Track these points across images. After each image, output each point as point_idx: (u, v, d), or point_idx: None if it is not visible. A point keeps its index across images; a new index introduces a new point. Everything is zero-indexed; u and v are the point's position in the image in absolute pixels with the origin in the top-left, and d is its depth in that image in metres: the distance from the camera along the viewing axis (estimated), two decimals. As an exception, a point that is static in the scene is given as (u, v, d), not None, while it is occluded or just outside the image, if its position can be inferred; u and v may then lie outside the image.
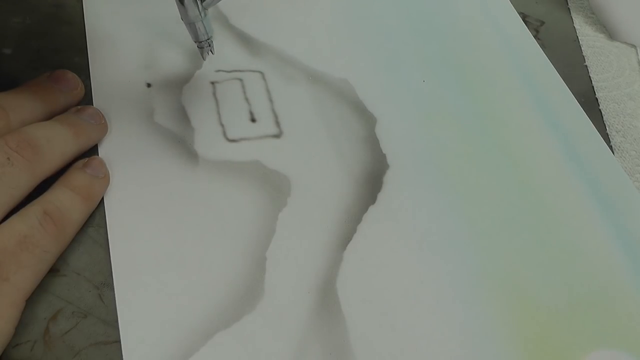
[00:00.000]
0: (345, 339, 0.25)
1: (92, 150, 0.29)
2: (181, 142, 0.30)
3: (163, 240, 0.27)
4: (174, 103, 0.32)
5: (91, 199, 0.27)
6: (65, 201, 0.26)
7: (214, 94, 0.33)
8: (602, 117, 0.35)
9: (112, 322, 0.25)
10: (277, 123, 0.32)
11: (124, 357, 0.24)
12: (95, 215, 0.27)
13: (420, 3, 0.39)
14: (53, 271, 0.25)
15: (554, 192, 0.31)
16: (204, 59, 0.30)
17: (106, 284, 0.26)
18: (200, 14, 0.27)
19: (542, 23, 0.39)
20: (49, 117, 0.28)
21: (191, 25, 0.28)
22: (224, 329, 0.25)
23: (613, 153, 0.33)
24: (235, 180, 0.29)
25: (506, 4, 0.40)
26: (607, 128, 0.34)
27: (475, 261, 0.28)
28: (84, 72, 0.32)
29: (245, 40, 0.35)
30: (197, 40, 0.29)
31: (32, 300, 0.24)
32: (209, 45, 0.29)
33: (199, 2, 0.27)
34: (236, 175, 0.30)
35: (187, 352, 0.24)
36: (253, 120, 0.32)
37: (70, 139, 0.27)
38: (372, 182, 0.30)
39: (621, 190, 0.32)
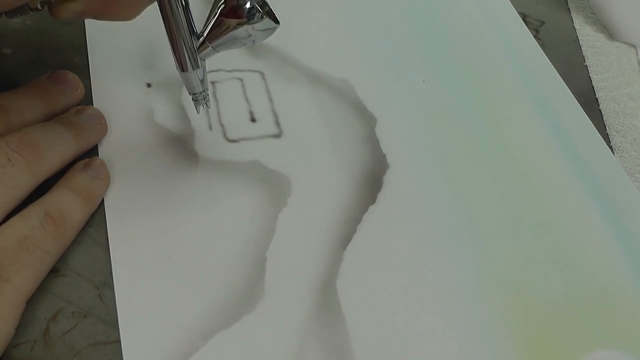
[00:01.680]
0: (345, 339, 0.25)
1: (92, 151, 0.29)
2: (181, 142, 0.30)
3: (163, 240, 0.27)
4: (174, 103, 0.32)
5: (92, 201, 0.27)
6: (66, 202, 0.26)
7: (214, 94, 0.33)
8: (602, 117, 0.35)
9: (112, 322, 0.25)
10: (277, 123, 0.32)
11: (124, 357, 0.24)
12: (95, 215, 0.27)
13: (420, 3, 0.39)
14: (53, 271, 0.25)
15: (554, 192, 0.31)
16: (197, 112, 0.28)
17: (106, 284, 0.26)
18: (196, 65, 0.25)
19: (542, 23, 0.39)
20: (49, 117, 0.28)
21: (187, 77, 0.26)
22: (224, 329, 0.25)
23: (613, 153, 0.33)
24: (235, 180, 0.29)
25: (506, 4, 0.40)
26: (607, 128, 0.34)
27: (475, 261, 0.28)
28: (84, 72, 0.32)
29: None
30: (192, 92, 0.27)
31: (32, 300, 0.24)
32: (204, 99, 0.27)
33: (195, 53, 0.25)
34: (236, 175, 0.30)
35: (187, 352, 0.24)
36: (253, 120, 0.32)
37: (70, 140, 0.27)
38: (372, 182, 0.30)
39: (621, 190, 0.32)
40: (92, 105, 0.31)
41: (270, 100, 0.33)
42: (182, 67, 0.25)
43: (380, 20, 0.38)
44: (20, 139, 0.26)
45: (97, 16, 0.25)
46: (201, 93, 0.27)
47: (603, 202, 0.31)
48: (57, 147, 0.27)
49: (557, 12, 0.40)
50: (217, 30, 0.24)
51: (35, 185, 0.26)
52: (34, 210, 0.25)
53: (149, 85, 0.32)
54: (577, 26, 0.39)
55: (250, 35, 0.24)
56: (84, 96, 0.30)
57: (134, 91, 0.32)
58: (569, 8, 0.41)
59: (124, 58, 0.33)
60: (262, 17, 0.24)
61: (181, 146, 0.30)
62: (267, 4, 0.24)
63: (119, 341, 0.24)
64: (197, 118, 0.31)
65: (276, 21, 0.24)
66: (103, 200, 0.28)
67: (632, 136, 0.34)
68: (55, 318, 0.25)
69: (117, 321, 0.25)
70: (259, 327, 0.25)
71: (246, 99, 0.33)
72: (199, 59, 0.25)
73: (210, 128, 0.31)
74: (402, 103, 0.34)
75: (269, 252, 0.27)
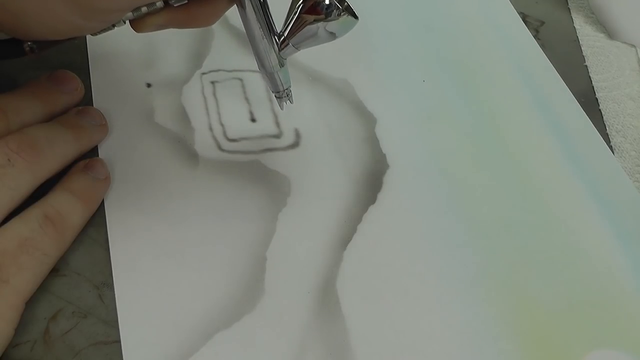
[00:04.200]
0: (345, 339, 0.25)
1: (92, 151, 0.29)
2: (181, 142, 0.30)
3: (163, 240, 0.27)
4: (174, 103, 0.32)
5: (92, 202, 0.27)
6: (66, 204, 0.26)
7: (214, 94, 0.33)
8: (602, 117, 0.35)
9: (112, 322, 0.25)
10: (277, 123, 0.32)
11: (124, 357, 0.24)
12: (96, 215, 0.27)
13: (420, 3, 0.39)
14: (53, 271, 0.25)
15: (554, 192, 0.31)
16: (281, 108, 0.29)
17: (106, 284, 0.26)
18: (278, 64, 0.26)
19: (542, 23, 0.39)
20: (49, 118, 0.28)
21: (269, 76, 0.26)
22: (224, 329, 0.25)
23: (613, 153, 0.33)
24: (235, 180, 0.29)
25: (506, 4, 0.40)
26: (607, 128, 0.34)
27: (475, 261, 0.28)
28: (84, 72, 0.32)
29: (246, 40, 0.35)
30: (275, 90, 0.27)
31: (32, 300, 0.24)
32: (287, 95, 0.28)
33: (277, 53, 0.25)
34: (236, 175, 0.30)
35: (187, 352, 0.24)
36: (253, 120, 0.32)
37: (71, 141, 0.27)
38: (372, 182, 0.30)
39: (621, 190, 0.32)
40: (92, 105, 0.31)
41: (270, 100, 0.33)
42: (266, 68, 0.26)
43: (380, 20, 0.38)
44: (20, 139, 0.25)
45: (178, 26, 0.25)
46: (284, 91, 0.27)
47: (603, 202, 0.31)
48: (58, 148, 0.27)
49: (557, 12, 0.40)
50: (297, 28, 0.25)
51: (35, 186, 0.26)
52: (34, 212, 0.25)
53: (149, 85, 0.32)
54: (577, 26, 0.39)
55: (330, 32, 0.24)
56: (84, 96, 0.30)
57: (134, 91, 0.32)
58: (569, 8, 0.41)
59: (124, 58, 0.33)
60: (339, 14, 0.24)
61: (181, 146, 0.30)
62: (345, 0, 0.24)
63: (119, 341, 0.24)
64: (197, 118, 0.31)
65: (355, 16, 0.24)
66: (103, 200, 0.28)
67: (632, 136, 0.34)
68: (55, 318, 0.25)
69: (117, 321, 0.25)
70: (259, 327, 0.25)
71: (246, 99, 0.33)
72: (281, 58, 0.26)
73: (210, 128, 0.31)
74: (402, 103, 0.34)
75: (269, 252, 0.27)
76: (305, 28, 0.24)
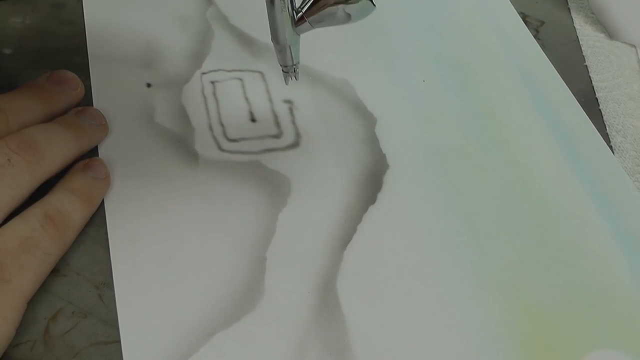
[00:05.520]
0: (345, 339, 0.25)
1: (92, 151, 0.29)
2: (181, 142, 0.30)
3: (163, 240, 0.27)
4: (174, 103, 0.32)
5: (92, 202, 0.27)
6: (66, 204, 0.26)
7: (214, 94, 0.33)
8: (602, 117, 0.35)
9: (112, 322, 0.25)
10: (277, 123, 0.32)
11: (124, 357, 0.24)
12: (96, 215, 0.27)
13: (420, 3, 0.39)
14: (53, 271, 0.25)
15: (554, 192, 0.31)
16: (286, 83, 0.29)
17: (106, 284, 0.26)
18: (292, 39, 0.26)
19: (542, 23, 0.39)
20: (49, 118, 0.28)
21: (281, 49, 0.27)
22: (224, 329, 0.25)
23: (613, 153, 0.33)
24: (235, 180, 0.29)
25: (506, 4, 0.40)
26: (607, 128, 0.34)
27: (475, 261, 0.28)
28: (84, 72, 0.32)
29: (246, 40, 0.35)
30: (284, 64, 0.28)
31: (32, 300, 0.24)
32: (294, 71, 0.28)
33: (293, 27, 0.26)
34: (236, 175, 0.30)
35: (187, 352, 0.24)
36: (253, 120, 0.32)
37: (70, 141, 0.27)
38: (372, 182, 0.30)
39: (621, 190, 0.32)
40: (92, 105, 0.31)
41: (270, 101, 0.33)
42: (280, 41, 0.26)
43: (380, 20, 0.38)
44: (20, 139, 0.26)
45: None
46: (292, 66, 0.28)
47: (603, 202, 0.31)
48: (57, 148, 0.27)
49: (557, 12, 0.40)
50: (316, 7, 0.25)
51: (35, 186, 0.26)
52: (34, 212, 0.25)
53: (149, 85, 0.32)
54: (577, 26, 0.39)
55: (347, 13, 0.25)
56: (84, 96, 0.30)
57: (134, 91, 0.32)
58: (569, 8, 0.41)
59: (124, 58, 0.33)
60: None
61: (181, 146, 0.30)
62: None
63: (119, 341, 0.24)
64: (197, 118, 0.31)
65: (373, 3, 0.25)
66: (103, 200, 0.28)
67: (632, 136, 0.34)
68: (55, 318, 0.25)
69: (117, 321, 0.25)
70: (259, 327, 0.25)
71: (246, 99, 0.33)
72: (295, 33, 0.26)
73: (211, 128, 0.31)
74: (402, 103, 0.34)
75: (269, 252, 0.27)
76: (327, 9, 0.25)
